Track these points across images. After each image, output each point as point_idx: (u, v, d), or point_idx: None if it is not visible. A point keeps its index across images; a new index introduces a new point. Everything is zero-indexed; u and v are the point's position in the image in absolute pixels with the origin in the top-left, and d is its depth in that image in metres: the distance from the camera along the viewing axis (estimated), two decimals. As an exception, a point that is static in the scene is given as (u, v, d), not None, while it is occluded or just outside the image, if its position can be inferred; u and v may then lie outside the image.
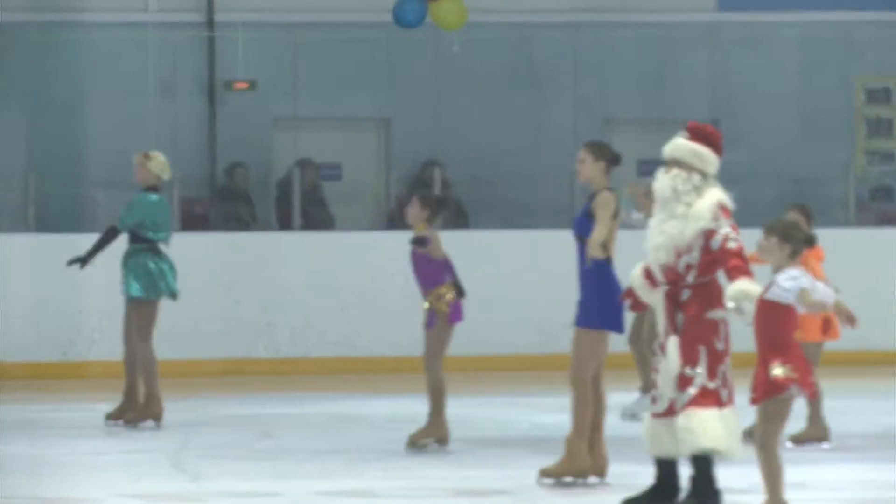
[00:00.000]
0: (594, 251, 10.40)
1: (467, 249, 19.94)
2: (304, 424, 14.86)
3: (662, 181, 9.15)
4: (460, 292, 13.03)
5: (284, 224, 20.69)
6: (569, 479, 10.06)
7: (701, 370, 9.01)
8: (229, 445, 13.65)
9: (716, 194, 9.15)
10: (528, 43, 22.58)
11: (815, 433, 13.04)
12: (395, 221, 20.61)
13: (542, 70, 22.86)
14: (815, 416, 12.98)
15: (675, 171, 9.15)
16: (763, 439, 8.17)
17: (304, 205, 20.87)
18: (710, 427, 9.11)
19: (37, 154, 21.93)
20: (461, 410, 15.51)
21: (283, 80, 21.94)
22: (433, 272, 12.89)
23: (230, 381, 17.85)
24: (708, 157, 9.33)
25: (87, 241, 14.78)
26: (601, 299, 10.42)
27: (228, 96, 21.72)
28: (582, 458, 10.14)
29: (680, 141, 9.15)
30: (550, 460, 10.33)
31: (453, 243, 21.20)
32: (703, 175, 9.32)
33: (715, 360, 9.00)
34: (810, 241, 8.60)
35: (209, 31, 21.76)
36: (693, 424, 9.04)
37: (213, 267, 18.34)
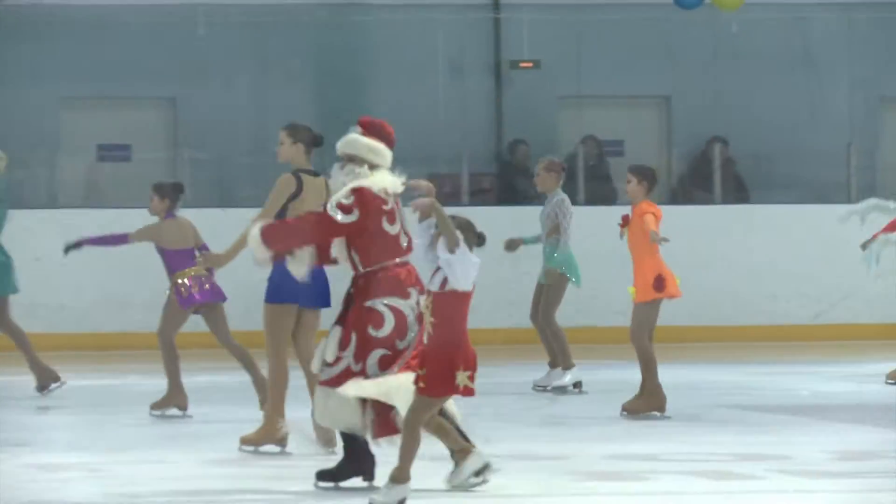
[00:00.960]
0: None
1: (747, 223, 20.38)
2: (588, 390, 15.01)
3: (336, 177, 9.29)
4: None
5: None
6: None
7: (349, 354, 9.17)
8: (518, 411, 13.79)
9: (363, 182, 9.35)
10: (803, 22, 22.76)
11: (650, 404, 12.76)
12: (677, 197, 21.32)
13: (817, 49, 22.90)
14: (650, 386, 12.72)
15: (348, 166, 9.29)
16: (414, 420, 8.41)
17: (588, 180, 21.17)
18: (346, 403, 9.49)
19: (327, 132, 22.33)
20: (746, 378, 15.62)
21: (567, 59, 22.30)
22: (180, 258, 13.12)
23: (517, 349, 18.04)
24: (381, 151, 9.52)
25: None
26: None
27: (514, 75, 22.09)
28: None
29: (353, 136, 9.33)
30: (832, 427, 10.30)
31: (732, 216, 21.59)
32: (374, 167, 9.50)
33: (365, 345, 9.13)
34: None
35: (495, 13, 22.20)
36: (327, 401, 9.33)
37: (499, 239, 18.73)
